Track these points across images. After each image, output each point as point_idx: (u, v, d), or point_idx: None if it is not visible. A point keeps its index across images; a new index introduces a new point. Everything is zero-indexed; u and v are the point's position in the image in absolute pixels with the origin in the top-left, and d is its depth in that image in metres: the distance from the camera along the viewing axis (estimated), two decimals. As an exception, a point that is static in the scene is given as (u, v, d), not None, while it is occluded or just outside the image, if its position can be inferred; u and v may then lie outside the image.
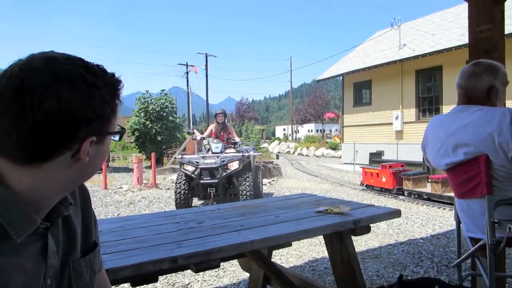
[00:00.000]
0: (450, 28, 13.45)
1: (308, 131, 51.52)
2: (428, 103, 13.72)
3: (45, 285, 0.72)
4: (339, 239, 1.93)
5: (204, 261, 1.39)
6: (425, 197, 7.29)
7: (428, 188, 7.42)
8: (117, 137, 0.76)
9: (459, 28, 12.51)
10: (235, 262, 3.61)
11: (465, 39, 9.86)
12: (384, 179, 8.24)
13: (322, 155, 25.60)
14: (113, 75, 0.72)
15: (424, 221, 5.66)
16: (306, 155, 27.09)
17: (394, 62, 13.81)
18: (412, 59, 13.16)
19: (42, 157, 0.64)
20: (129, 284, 1.95)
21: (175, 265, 1.36)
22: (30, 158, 0.64)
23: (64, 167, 0.67)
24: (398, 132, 14.48)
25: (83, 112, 0.65)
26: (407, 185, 7.64)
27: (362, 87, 16.70)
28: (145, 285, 3.25)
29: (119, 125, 0.77)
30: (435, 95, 13.27)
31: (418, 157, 9.43)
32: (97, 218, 0.95)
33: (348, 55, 18.89)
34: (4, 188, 0.64)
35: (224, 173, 6.64)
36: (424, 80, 13.80)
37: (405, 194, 7.74)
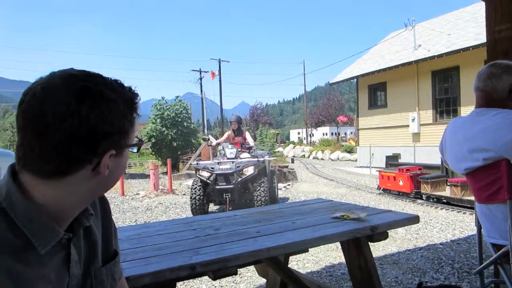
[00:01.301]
0: (467, 27, 13.20)
1: (323, 134, 51.24)
2: (445, 105, 13.47)
3: None
4: (356, 245, 1.91)
5: (222, 268, 1.39)
6: (444, 201, 7.13)
7: (447, 192, 7.26)
8: (135, 149, 0.78)
9: (476, 27, 12.27)
10: (251, 267, 3.61)
11: (482, 38, 9.67)
12: (401, 183, 8.11)
13: (338, 159, 25.38)
14: (130, 89, 0.74)
15: (443, 225, 5.54)
16: (321, 159, 26.91)
17: (409, 63, 13.62)
18: (428, 60, 12.95)
19: (64, 172, 0.67)
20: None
21: (193, 272, 1.37)
22: (53, 172, 0.66)
23: (85, 180, 0.69)
24: (415, 135, 14.25)
25: (103, 127, 0.67)
26: (425, 189, 7.50)
27: (377, 89, 16.52)
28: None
29: (136, 137, 0.78)
30: (453, 96, 13.02)
31: (436, 160, 9.26)
32: (115, 225, 0.97)
33: (362, 57, 18.74)
34: (28, 201, 0.67)
35: (240, 179, 6.66)
36: (441, 81, 13.56)
37: (423, 198, 7.59)
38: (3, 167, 1.42)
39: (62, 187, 0.68)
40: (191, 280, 3.51)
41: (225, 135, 7.99)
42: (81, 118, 0.65)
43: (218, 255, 1.42)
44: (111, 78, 0.73)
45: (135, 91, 0.75)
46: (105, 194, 0.93)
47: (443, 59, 12.43)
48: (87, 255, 0.81)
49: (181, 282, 3.41)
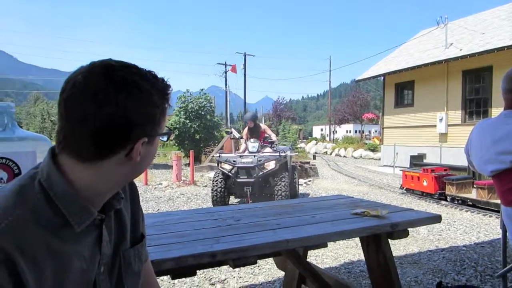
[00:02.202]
0: (502, 26, 12.67)
1: (346, 131, 50.56)
2: (475, 105, 13.02)
3: (99, 271, 0.79)
4: (375, 242, 1.91)
5: (241, 257, 1.43)
6: (470, 203, 6.94)
7: (473, 194, 7.06)
8: (165, 138, 0.83)
9: (512, 26, 11.78)
10: (270, 260, 3.66)
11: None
12: (425, 183, 7.94)
13: (360, 157, 25.03)
14: (163, 80, 0.78)
15: (468, 228, 5.41)
16: (344, 156, 26.62)
17: (440, 62, 13.21)
18: (459, 59, 12.52)
19: (100, 156, 0.71)
20: (169, 276, 2.05)
21: (213, 260, 1.42)
22: (90, 156, 0.71)
23: (118, 165, 0.74)
24: (442, 135, 13.87)
25: (137, 116, 0.71)
26: (450, 190, 7.32)
27: (404, 88, 16.14)
28: (183, 279, 3.38)
29: (166, 126, 0.83)
30: (484, 97, 12.56)
31: (463, 161, 8.98)
32: (142, 210, 1.02)
33: (390, 55, 18.32)
34: (66, 182, 0.72)
35: (261, 173, 6.70)
36: (472, 81, 13.10)
37: (448, 200, 7.42)
38: (38, 151, 1.50)
39: (97, 170, 0.72)
40: (210, 269, 3.59)
41: (244, 135, 8.03)
42: (118, 106, 0.69)
43: (238, 244, 1.46)
44: (145, 69, 0.77)
45: (168, 82, 0.79)
46: (130, 183, 0.99)
47: (475, 58, 11.99)
48: (117, 236, 0.86)
49: (200, 271, 3.50)
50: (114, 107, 0.69)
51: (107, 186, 0.76)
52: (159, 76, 0.78)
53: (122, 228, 0.88)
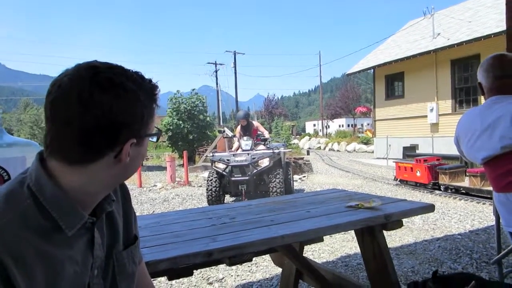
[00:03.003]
0: (488, 14, 12.79)
1: (339, 126, 50.80)
2: (465, 94, 13.16)
3: (92, 275, 0.79)
4: (370, 234, 1.93)
5: (237, 255, 1.43)
6: (463, 191, 7.03)
7: (466, 182, 7.13)
8: (154, 139, 0.82)
9: (498, 14, 11.88)
10: (267, 257, 3.66)
11: (504, 25, 9.36)
12: (418, 174, 8.01)
13: (354, 150, 25.16)
14: (150, 81, 0.78)
15: (462, 216, 5.47)
16: (337, 151, 26.73)
17: (428, 52, 13.32)
18: (447, 49, 12.64)
19: (88, 159, 0.71)
20: (165, 277, 2.04)
21: (209, 259, 1.41)
22: (78, 159, 0.70)
23: (107, 167, 0.73)
24: (433, 125, 13.99)
25: (124, 117, 0.71)
26: (444, 180, 7.39)
27: (394, 80, 16.24)
28: (181, 279, 3.37)
29: (156, 127, 0.82)
30: (473, 85, 12.69)
31: (455, 150, 9.07)
32: (135, 212, 1.01)
33: (379, 47, 18.41)
34: (56, 185, 0.71)
35: (255, 170, 6.70)
36: (461, 70, 13.23)
37: (442, 189, 7.49)
38: (27, 156, 1.49)
39: (86, 173, 0.72)
40: (208, 269, 3.58)
41: (236, 132, 8.01)
42: (104, 108, 0.68)
43: (233, 242, 1.46)
44: (132, 70, 0.76)
45: (155, 84, 0.78)
46: (124, 185, 0.98)
47: (463, 47, 12.11)
48: (109, 238, 0.86)
49: (198, 271, 3.49)
50: (100, 109, 0.68)
51: (97, 188, 0.76)
52: (146, 77, 0.78)
53: (114, 230, 0.88)
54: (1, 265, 0.63)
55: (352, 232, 4.54)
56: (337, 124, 51.75)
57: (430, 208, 1.96)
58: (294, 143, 24.76)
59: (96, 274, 0.80)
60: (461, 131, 1.96)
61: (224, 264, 3.72)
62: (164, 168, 13.42)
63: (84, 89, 0.68)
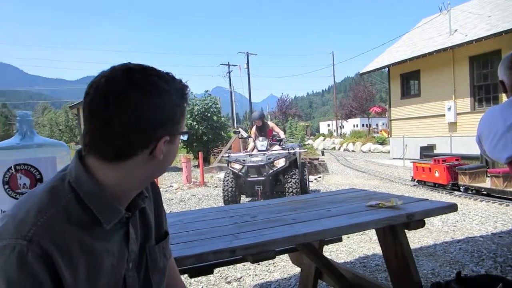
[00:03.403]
0: (510, 8, 12.42)
1: (354, 126, 50.33)
2: (484, 92, 12.84)
3: (127, 268, 0.82)
4: (392, 233, 1.92)
5: (260, 252, 1.45)
6: (484, 192, 6.85)
7: (487, 183, 6.96)
8: (185, 137, 0.85)
9: (519, 8, 11.58)
10: (285, 257, 3.67)
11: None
12: (437, 174, 7.88)
13: (369, 151, 24.90)
14: (180, 81, 0.81)
15: (483, 218, 5.35)
16: (352, 151, 26.50)
17: (445, 49, 13.04)
18: (465, 45, 12.33)
19: (124, 156, 0.74)
20: (186, 275, 2.07)
21: (233, 256, 1.44)
22: (115, 157, 0.74)
23: (142, 164, 0.76)
24: (451, 124, 13.72)
25: (158, 115, 0.74)
26: (463, 180, 7.25)
27: (409, 78, 16.00)
28: (199, 278, 3.41)
29: (186, 126, 0.85)
30: (493, 82, 12.36)
31: (475, 150, 8.91)
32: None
33: (394, 45, 18.17)
34: (94, 182, 0.75)
35: (271, 171, 6.71)
36: (480, 67, 12.91)
37: (461, 190, 7.34)
38: (57, 156, 1.54)
39: (122, 170, 0.75)
40: (226, 268, 3.61)
41: (252, 134, 8.03)
42: (139, 107, 0.72)
43: (256, 239, 1.48)
44: (163, 71, 0.79)
45: (185, 83, 0.82)
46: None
47: (482, 43, 11.79)
48: (143, 233, 0.89)
49: (216, 270, 3.52)
50: (135, 108, 0.71)
51: (132, 184, 0.79)
52: (176, 77, 0.81)
53: (147, 226, 0.91)
54: (49, 258, 0.67)
55: (370, 233, 4.52)
56: (351, 124, 51.30)
57: (453, 207, 1.94)
58: (308, 144, 24.65)
59: (131, 267, 0.83)
60: (483, 130, 1.93)
61: (242, 264, 3.74)
62: (180, 169, 13.54)
63: (119, 89, 0.72)
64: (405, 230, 1.92)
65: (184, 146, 18.95)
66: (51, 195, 0.73)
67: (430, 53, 13.57)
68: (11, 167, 1.48)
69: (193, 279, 3.38)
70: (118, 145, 0.73)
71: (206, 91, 19.54)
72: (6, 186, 1.49)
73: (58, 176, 0.78)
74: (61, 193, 0.73)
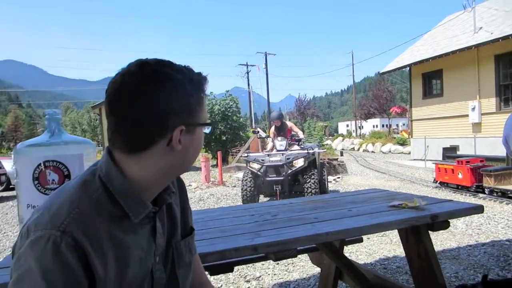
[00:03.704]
0: (537, 5, 11.99)
1: (373, 126, 49.65)
2: (511, 92, 12.45)
3: (155, 262, 0.84)
4: (415, 234, 1.89)
5: (282, 250, 1.45)
6: (511, 195, 6.65)
7: (513, 185, 6.77)
8: (207, 130, 0.85)
9: (547, 6, 11.16)
10: (304, 257, 3.66)
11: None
12: (460, 176, 7.69)
13: (389, 151, 24.50)
14: (199, 73, 0.81)
15: (510, 221, 5.18)
16: (372, 152, 26.14)
17: (469, 47, 12.68)
18: (491, 43, 11.97)
19: (142, 147, 0.76)
20: (207, 273, 2.09)
21: (254, 254, 1.44)
22: (134, 148, 0.76)
23: (162, 155, 0.77)
24: (475, 125, 13.35)
25: (171, 104, 0.75)
26: (488, 182, 7.04)
27: (432, 78, 15.65)
28: (218, 276, 3.44)
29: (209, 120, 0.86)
30: (520, 82, 11.96)
31: (500, 151, 8.65)
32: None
33: (415, 44, 17.81)
34: (124, 177, 0.77)
35: (290, 171, 6.69)
36: (506, 65, 12.49)
37: (486, 192, 7.14)
38: (84, 153, 1.59)
39: (143, 162, 0.77)
40: (245, 267, 3.63)
41: (271, 134, 8.03)
42: (151, 97, 0.74)
43: (278, 238, 1.48)
44: (180, 64, 0.80)
45: (203, 74, 0.82)
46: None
47: (509, 41, 11.40)
48: (169, 228, 0.91)
49: (235, 268, 3.54)
50: (147, 99, 0.73)
51: (155, 177, 0.80)
52: (195, 70, 0.81)
53: (174, 221, 0.93)
54: (81, 249, 0.69)
55: (391, 234, 4.45)
56: (371, 125, 50.61)
57: (478, 209, 1.89)
58: (327, 144, 24.48)
59: (158, 261, 0.85)
60: (511, 131, 1.88)
61: (262, 263, 3.74)
62: (199, 168, 13.67)
63: (132, 82, 0.74)
64: (429, 231, 1.89)
65: (203, 146, 19.11)
66: (83, 189, 0.75)
67: (453, 52, 13.24)
68: (40, 163, 1.53)
69: (212, 277, 3.41)
70: (135, 137, 0.75)
71: (227, 91, 19.66)
72: (36, 182, 1.55)
73: (89, 171, 0.80)
74: (92, 187, 0.76)
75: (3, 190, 11.41)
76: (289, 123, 8.21)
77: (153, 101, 0.73)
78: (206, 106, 0.84)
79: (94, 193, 0.75)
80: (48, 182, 1.52)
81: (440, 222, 1.78)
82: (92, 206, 0.73)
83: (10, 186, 11.53)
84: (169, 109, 0.74)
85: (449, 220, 1.82)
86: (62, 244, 0.67)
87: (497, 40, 11.65)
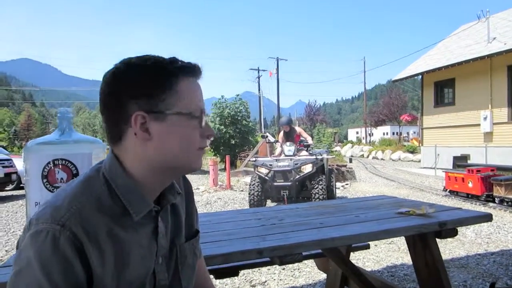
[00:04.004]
0: (551, 16, 11.88)
1: (383, 133, 49.29)
2: (523, 102, 12.28)
3: (157, 262, 0.84)
4: (422, 241, 1.86)
5: (288, 255, 1.45)
6: (522, 205, 6.55)
7: (524, 196, 6.65)
8: (194, 123, 0.79)
9: (562, 16, 11.04)
10: (310, 263, 3.63)
11: None
12: (470, 185, 7.58)
13: (399, 159, 24.26)
14: (172, 60, 0.79)
15: (520, 231, 5.09)
16: (381, 159, 25.91)
17: (482, 57, 12.58)
18: (504, 54, 11.87)
19: (116, 136, 0.79)
20: (212, 276, 2.09)
21: (260, 257, 1.44)
22: (112, 137, 0.80)
23: (137, 145, 0.77)
24: (486, 134, 13.18)
25: (127, 91, 0.76)
26: (499, 192, 6.93)
27: (444, 86, 15.51)
28: (224, 280, 3.43)
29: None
30: (533, 92, 11.81)
31: (511, 161, 8.54)
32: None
33: (428, 53, 17.69)
34: (126, 174, 0.79)
35: (298, 176, 6.66)
36: (519, 76, 12.37)
37: (496, 202, 7.02)
38: (93, 153, 1.61)
39: (126, 153, 0.79)
40: (250, 271, 3.62)
41: (279, 139, 8.00)
42: (113, 86, 0.77)
43: (284, 242, 1.48)
44: (157, 55, 0.80)
45: (178, 61, 0.79)
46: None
47: (522, 52, 11.32)
48: (174, 229, 0.90)
49: (241, 273, 3.53)
50: (111, 88, 0.77)
51: (146, 172, 0.79)
52: (178, 59, 0.80)
53: (178, 222, 0.93)
54: (79, 244, 0.70)
55: (399, 242, 4.40)
56: (381, 132, 50.26)
57: (487, 217, 1.86)
58: (336, 151, 24.35)
59: (160, 262, 0.85)
60: None
61: (267, 268, 3.72)
62: (207, 172, 13.71)
63: (104, 79, 0.79)
64: (437, 239, 1.87)
65: (212, 149, 19.17)
66: (86, 185, 0.77)
67: (466, 61, 13.14)
68: (50, 161, 1.55)
69: (218, 281, 3.40)
70: (109, 128, 0.79)
71: (237, 95, 19.72)
72: (45, 180, 1.57)
73: (94, 168, 0.82)
74: (95, 184, 0.78)
75: (14, 189, 11.55)
76: (298, 129, 8.19)
77: (114, 90, 0.77)
78: (195, 95, 0.80)
79: (97, 190, 0.77)
80: (57, 180, 1.54)
81: (448, 230, 1.75)
82: (93, 202, 0.74)
83: (21, 185, 11.68)
84: (125, 96, 0.76)
85: (457, 228, 1.79)
86: (61, 238, 0.68)
87: (510, 50, 11.55)
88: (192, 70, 0.81)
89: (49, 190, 1.59)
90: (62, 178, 1.55)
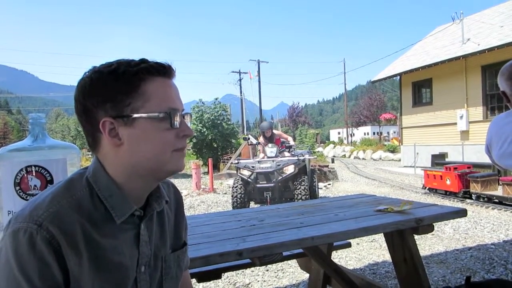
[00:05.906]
0: (522, 18, 12.34)
1: (364, 134, 50.00)
2: (497, 101, 12.68)
3: (139, 271, 0.81)
4: (400, 237, 1.90)
5: (267, 255, 1.45)
6: (496, 200, 6.76)
7: (499, 191, 6.87)
8: (165, 124, 0.76)
9: (531, 17, 11.48)
10: (293, 263, 3.65)
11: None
12: (448, 182, 7.78)
13: (380, 158, 24.67)
14: (137, 63, 0.77)
15: (495, 226, 5.26)
16: (363, 159, 26.30)
17: (457, 58, 12.95)
18: (478, 54, 12.27)
19: (92, 143, 0.79)
20: (194, 280, 2.08)
21: (239, 258, 1.44)
22: (90, 145, 0.80)
23: (112, 151, 0.77)
24: (463, 132, 13.56)
25: (91, 98, 0.76)
26: (475, 188, 7.14)
27: (421, 86, 15.89)
28: (207, 283, 3.40)
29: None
30: (505, 91, 12.21)
31: (487, 158, 8.76)
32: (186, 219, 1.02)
33: (406, 54, 18.09)
34: (109, 178, 0.78)
35: (280, 177, 6.70)
36: (492, 76, 12.77)
37: (473, 198, 7.24)
38: (68, 158, 1.58)
39: (104, 157, 0.79)
40: (234, 274, 3.61)
41: (260, 142, 8.01)
42: (78, 96, 0.78)
43: (264, 242, 1.48)
44: (125, 59, 0.79)
45: (143, 63, 0.77)
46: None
47: (494, 52, 11.71)
48: (158, 238, 0.88)
49: (225, 275, 3.51)
50: (77, 98, 0.78)
51: (126, 177, 0.78)
52: (149, 60, 0.78)
53: (163, 231, 0.90)
54: (56, 244, 0.69)
55: (380, 239, 4.47)
56: (362, 132, 50.99)
57: (462, 212, 1.91)
58: (318, 151, 24.55)
59: (143, 271, 0.82)
60: (492, 138, 1.91)
61: (251, 270, 3.71)
62: (189, 176, 13.61)
63: (76, 87, 0.79)
64: (415, 236, 1.91)
65: (194, 153, 19.05)
66: (68, 187, 0.76)
67: (442, 62, 13.49)
68: (22, 168, 1.51)
69: (201, 285, 3.38)
70: (85, 135, 0.80)
71: (216, 99, 19.64)
72: (18, 188, 1.52)
73: (79, 172, 0.82)
74: (77, 186, 0.77)
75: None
76: (277, 132, 8.24)
77: (81, 98, 0.77)
78: (165, 96, 0.77)
79: (78, 193, 0.76)
80: (30, 187, 1.50)
81: (425, 226, 1.79)
82: (72, 205, 0.73)
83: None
84: (90, 103, 0.76)
85: (433, 224, 1.83)
86: (38, 237, 0.68)
87: (483, 51, 11.94)
88: (161, 70, 0.78)
89: (23, 198, 1.54)
90: (35, 185, 1.50)
